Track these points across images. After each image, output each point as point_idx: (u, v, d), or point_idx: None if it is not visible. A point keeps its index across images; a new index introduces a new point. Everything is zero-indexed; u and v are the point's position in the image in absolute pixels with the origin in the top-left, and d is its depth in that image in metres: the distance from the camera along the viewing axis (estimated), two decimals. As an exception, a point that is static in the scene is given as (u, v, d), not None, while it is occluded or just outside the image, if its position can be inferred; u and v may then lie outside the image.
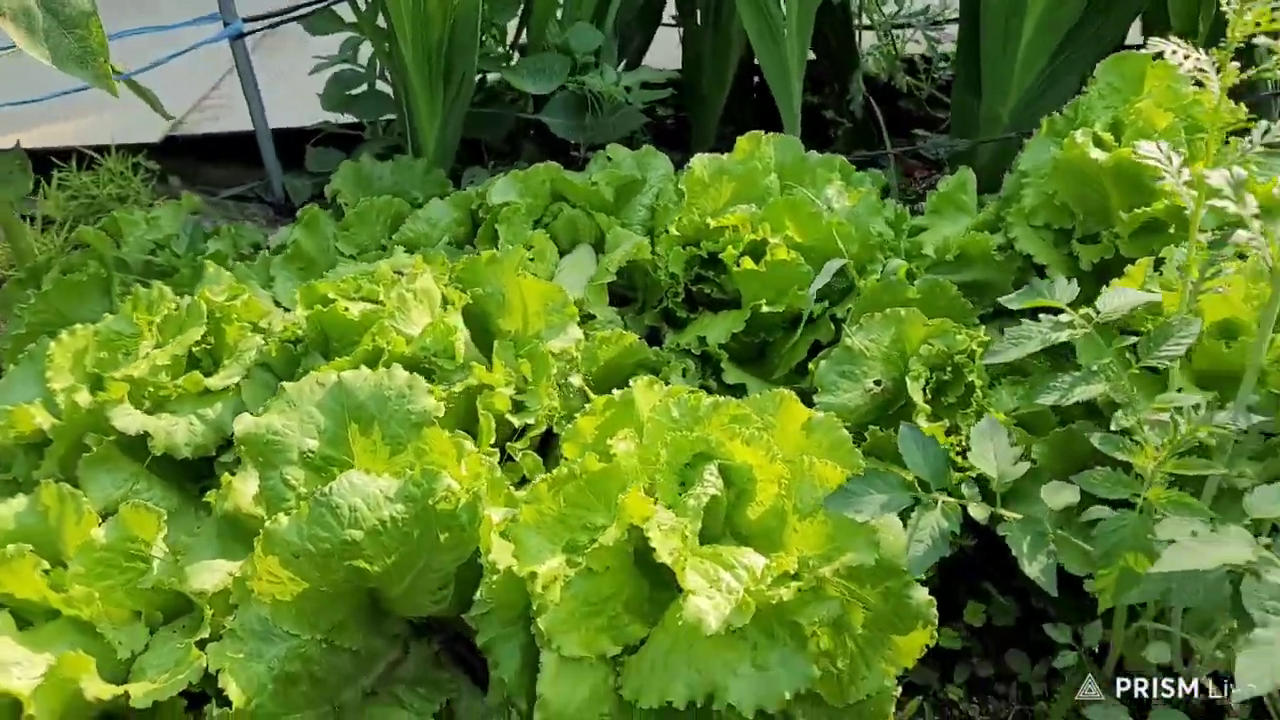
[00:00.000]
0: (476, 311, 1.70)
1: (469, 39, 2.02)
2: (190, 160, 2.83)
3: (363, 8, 2.15)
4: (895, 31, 2.64)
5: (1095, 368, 1.11)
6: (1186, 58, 1.04)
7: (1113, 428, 1.08)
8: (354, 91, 2.39)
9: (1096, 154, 1.65)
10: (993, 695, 1.52)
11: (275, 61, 3.03)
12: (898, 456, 1.50)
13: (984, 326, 1.72)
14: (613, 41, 2.40)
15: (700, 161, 1.79)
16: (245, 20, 2.13)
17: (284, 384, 1.37)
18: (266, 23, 2.13)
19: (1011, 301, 1.21)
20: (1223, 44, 1.02)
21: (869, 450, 1.54)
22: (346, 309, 1.55)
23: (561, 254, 1.97)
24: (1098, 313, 1.14)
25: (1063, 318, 1.14)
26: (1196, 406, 1.09)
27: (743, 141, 1.81)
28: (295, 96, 2.67)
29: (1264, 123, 1.07)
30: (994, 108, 2.14)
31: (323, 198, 2.27)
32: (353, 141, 2.54)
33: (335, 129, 2.54)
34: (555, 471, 1.30)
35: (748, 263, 1.65)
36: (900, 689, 1.28)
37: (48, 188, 2.60)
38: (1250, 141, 1.08)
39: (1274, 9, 1.00)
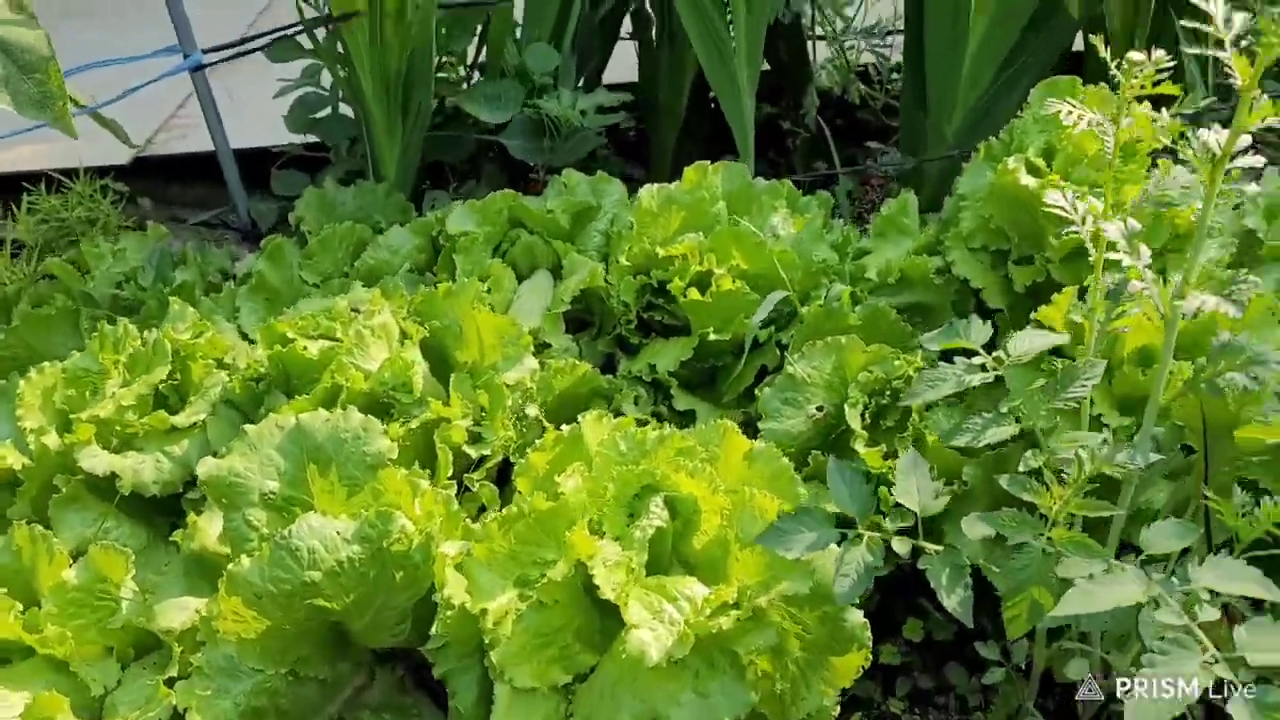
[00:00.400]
0: (434, 344, 1.76)
1: (426, 69, 2.07)
2: (159, 180, 2.87)
3: (320, 38, 2.19)
4: (848, 43, 2.69)
5: (1005, 409, 1.18)
6: (1081, 117, 1.10)
7: (1021, 468, 1.15)
8: (318, 115, 2.43)
9: (1028, 181, 1.72)
10: (933, 707, 1.60)
11: (239, 81, 3.05)
12: (840, 479, 1.58)
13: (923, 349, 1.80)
14: (570, 60, 2.45)
15: (649, 192, 1.85)
16: (205, 51, 2.17)
17: (245, 427, 1.43)
18: (228, 53, 2.17)
19: (930, 342, 1.28)
20: (1116, 101, 1.09)
21: (811, 474, 1.61)
22: (305, 348, 1.61)
23: (520, 278, 2.02)
24: (1008, 355, 1.20)
25: (976, 360, 1.21)
26: (1104, 441, 1.16)
27: (690, 172, 1.87)
28: (260, 115, 2.70)
29: (1155, 174, 1.14)
30: (940, 126, 2.20)
31: (288, 223, 2.31)
32: (318, 163, 2.58)
33: (299, 151, 2.58)
34: (506, 510, 1.36)
35: (694, 294, 1.71)
36: (841, 705, 1.35)
37: (17, 212, 2.63)
38: (1145, 194, 1.14)
39: (1160, 72, 1.06)
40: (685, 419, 1.73)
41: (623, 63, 2.79)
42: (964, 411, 1.63)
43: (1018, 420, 1.17)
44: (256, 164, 2.75)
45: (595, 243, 2.00)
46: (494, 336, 1.72)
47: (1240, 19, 1.00)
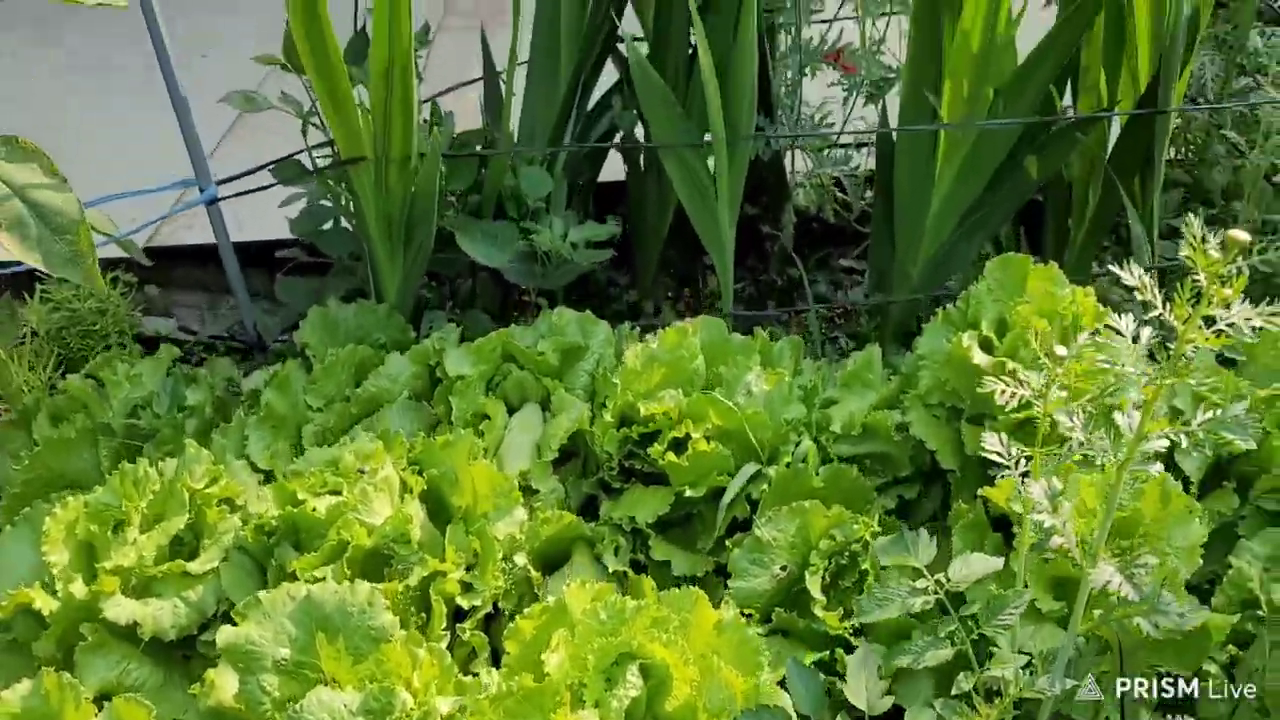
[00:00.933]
0: (432, 489, 1.91)
1: (429, 211, 2.20)
2: (165, 267, 2.99)
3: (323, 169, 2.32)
4: (824, 153, 2.84)
5: (944, 633, 1.34)
6: (1013, 395, 1.26)
7: (954, 691, 1.31)
8: (323, 227, 2.56)
9: (980, 359, 1.88)
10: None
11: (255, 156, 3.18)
12: (799, 633, 1.75)
13: (881, 499, 1.98)
14: (563, 181, 2.59)
15: (633, 353, 2.00)
16: (219, 182, 2.30)
17: (260, 595, 1.57)
18: (241, 185, 2.30)
19: (883, 555, 1.43)
20: (1040, 417, 1.24)
21: (774, 629, 1.77)
22: (314, 509, 1.75)
23: (511, 409, 2.17)
24: (948, 580, 1.36)
25: (920, 584, 1.36)
26: (1028, 665, 1.32)
27: (671, 334, 2.02)
28: (263, 206, 2.82)
29: (1078, 435, 1.29)
30: (905, 267, 2.36)
31: (291, 334, 2.44)
32: (320, 267, 2.71)
33: (303, 258, 2.71)
34: (496, 687, 1.51)
35: (671, 456, 1.87)
36: None
37: (31, 301, 2.76)
38: (1067, 450, 1.30)
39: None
40: (662, 569, 1.88)
41: (615, 163, 2.94)
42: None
43: (953, 643, 1.33)
44: (258, 256, 2.89)
45: (582, 381, 2.15)
46: (487, 487, 1.87)
47: (1146, 335, 1.16)
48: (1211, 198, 2.85)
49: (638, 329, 2.28)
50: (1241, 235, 1.02)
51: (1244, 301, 1.09)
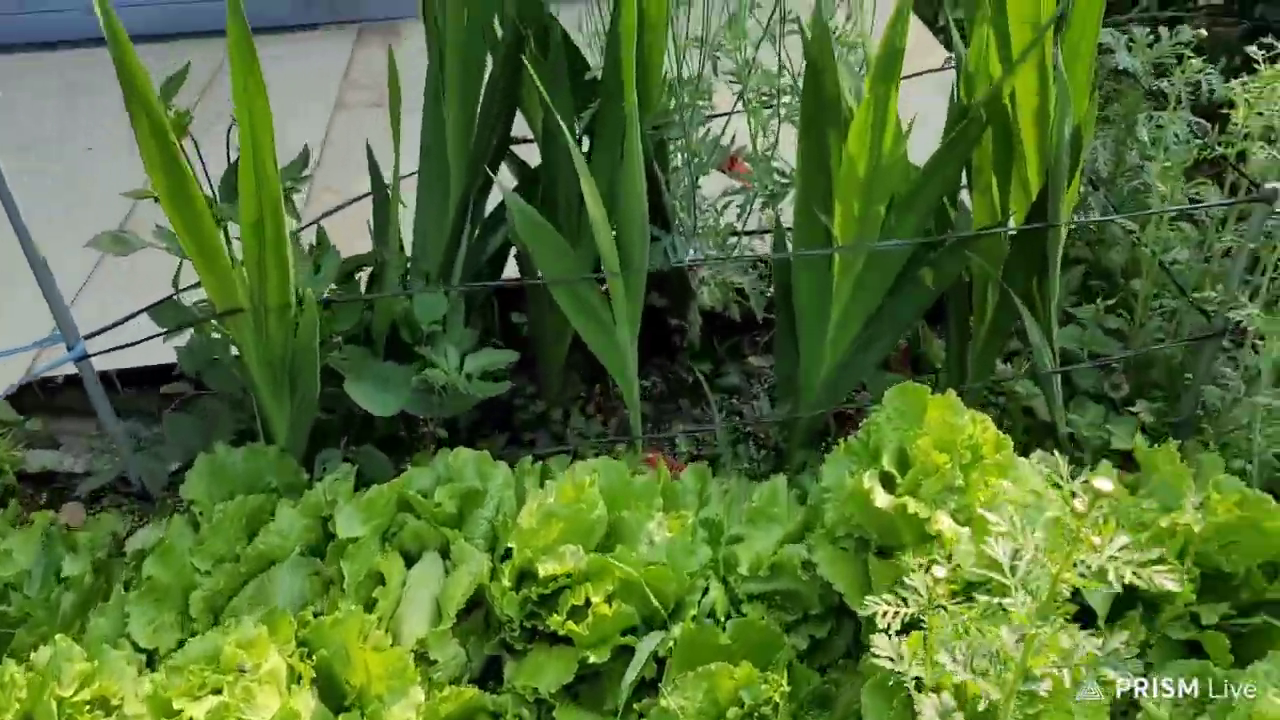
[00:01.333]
0: (323, 671, 1.82)
1: (311, 361, 2.11)
2: (49, 401, 2.86)
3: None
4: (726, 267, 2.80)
5: None
6: (895, 615, 1.21)
7: None
8: (210, 358, 2.45)
9: (882, 500, 1.84)
10: None
11: (130, 284, 3.06)
12: (713, 805, 1.69)
13: (792, 638, 1.93)
14: (460, 300, 2.52)
15: (529, 510, 1.94)
16: (87, 337, 2.19)
17: (132, 831, 1.48)
18: (111, 342, 2.19)
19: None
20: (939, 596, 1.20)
21: (687, 802, 1.71)
22: (192, 718, 1.65)
23: (410, 559, 2.09)
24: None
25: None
26: None
27: (568, 488, 1.95)
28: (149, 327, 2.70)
29: (961, 675, 1.25)
30: (809, 379, 2.32)
31: (179, 475, 2.33)
32: (212, 393, 2.60)
33: (190, 391, 2.60)
34: None
35: (571, 625, 1.80)
36: None
37: (-99, 449, 2.61)
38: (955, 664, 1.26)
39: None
40: (569, 737, 1.81)
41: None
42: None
43: None
44: (146, 378, 2.77)
45: (482, 529, 2.07)
46: (380, 668, 1.79)
47: (1025, 562, 1.12)
48: (1112, 275, 2.87)
49: (539, 464, 2.21)
50: (1105, 486, 0.99)
51: (1119, 534, 1.06)
